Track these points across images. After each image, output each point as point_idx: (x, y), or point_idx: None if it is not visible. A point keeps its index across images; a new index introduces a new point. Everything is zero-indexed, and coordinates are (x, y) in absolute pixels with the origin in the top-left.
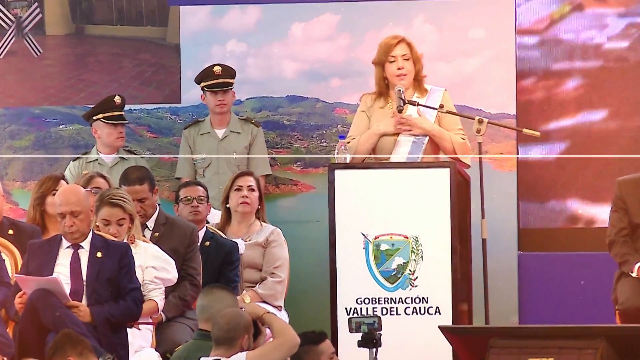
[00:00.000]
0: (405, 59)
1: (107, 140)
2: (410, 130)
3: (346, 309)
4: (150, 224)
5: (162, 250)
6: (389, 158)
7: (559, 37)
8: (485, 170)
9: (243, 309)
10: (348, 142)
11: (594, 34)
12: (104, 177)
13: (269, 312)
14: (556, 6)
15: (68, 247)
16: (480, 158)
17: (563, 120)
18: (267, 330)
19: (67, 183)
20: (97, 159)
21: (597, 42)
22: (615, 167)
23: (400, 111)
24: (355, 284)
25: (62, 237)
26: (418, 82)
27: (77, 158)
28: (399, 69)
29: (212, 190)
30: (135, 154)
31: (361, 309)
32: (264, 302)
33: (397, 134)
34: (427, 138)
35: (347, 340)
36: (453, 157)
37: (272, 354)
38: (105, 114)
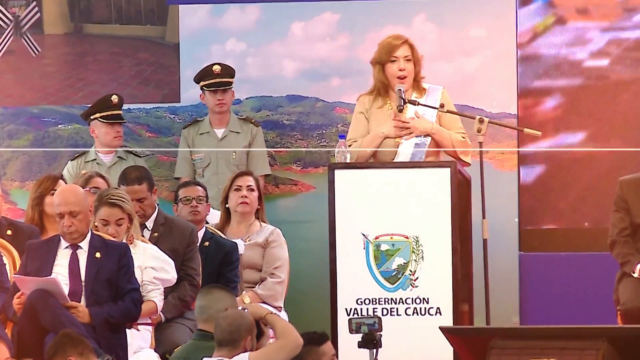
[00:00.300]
0: (407, 60)
1: (105, 139)
2: (411, 134)
3: (346, 309)
4: (149, 224)
5: (161, 250)
6: (393, 159)
7: (540, 52)
8: (486, 170)
9: (246, 310)
10: (350, 145)
11: (576, 50)
12: (102, 176)
13: (271, 313)
14: (540, 18)
15: (67, 247)
16: (481, 159)
17: (540, 142)
18: (270, 331)
19: (66, 183)
20: (95, 159)
21: (579, 58)
22: (595, 193)
23: (400, 111)
24: (356, 284)
25: (61, 238)
26: (417, 82)
27: (76, 158)
28: (400, 70)
29: (211, 190)
30: (134, 153)
31: (361, 309)
32: (264, 302)
33: (399, 137)
34: (430, 139)
35: (348, 341)
36: (453, 155)
37: (275, 354)
38: (103, 113)
